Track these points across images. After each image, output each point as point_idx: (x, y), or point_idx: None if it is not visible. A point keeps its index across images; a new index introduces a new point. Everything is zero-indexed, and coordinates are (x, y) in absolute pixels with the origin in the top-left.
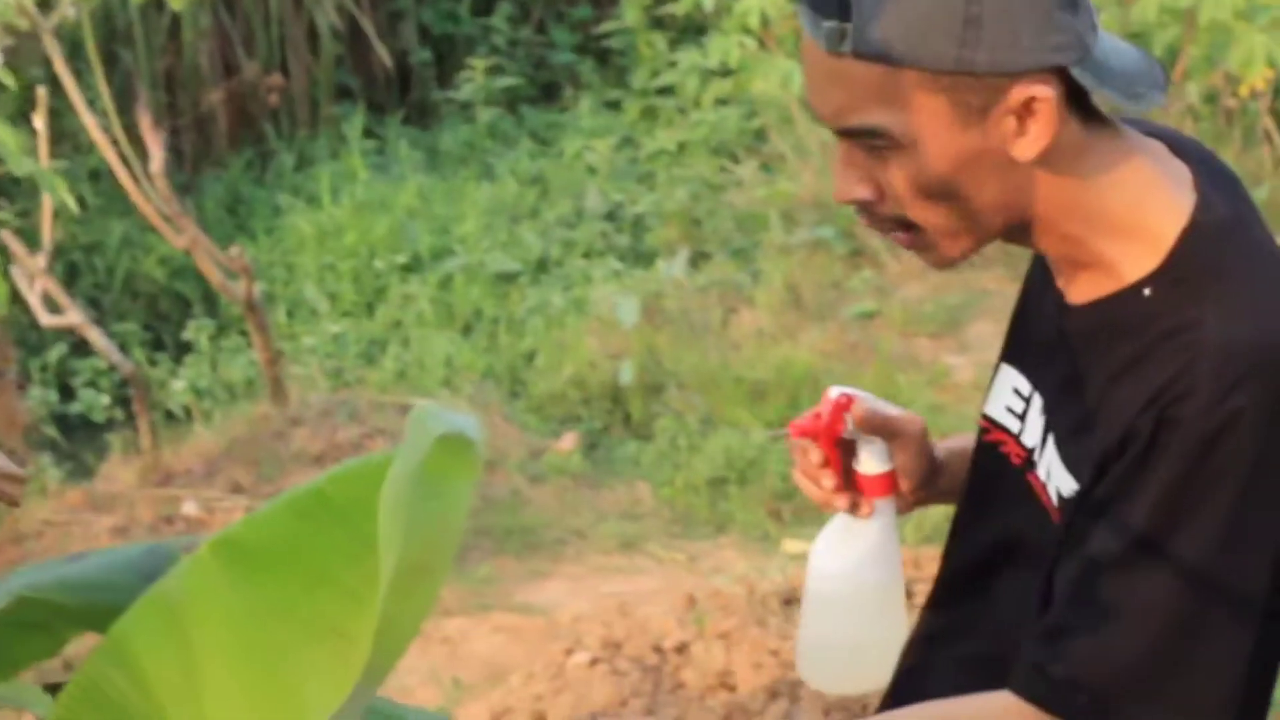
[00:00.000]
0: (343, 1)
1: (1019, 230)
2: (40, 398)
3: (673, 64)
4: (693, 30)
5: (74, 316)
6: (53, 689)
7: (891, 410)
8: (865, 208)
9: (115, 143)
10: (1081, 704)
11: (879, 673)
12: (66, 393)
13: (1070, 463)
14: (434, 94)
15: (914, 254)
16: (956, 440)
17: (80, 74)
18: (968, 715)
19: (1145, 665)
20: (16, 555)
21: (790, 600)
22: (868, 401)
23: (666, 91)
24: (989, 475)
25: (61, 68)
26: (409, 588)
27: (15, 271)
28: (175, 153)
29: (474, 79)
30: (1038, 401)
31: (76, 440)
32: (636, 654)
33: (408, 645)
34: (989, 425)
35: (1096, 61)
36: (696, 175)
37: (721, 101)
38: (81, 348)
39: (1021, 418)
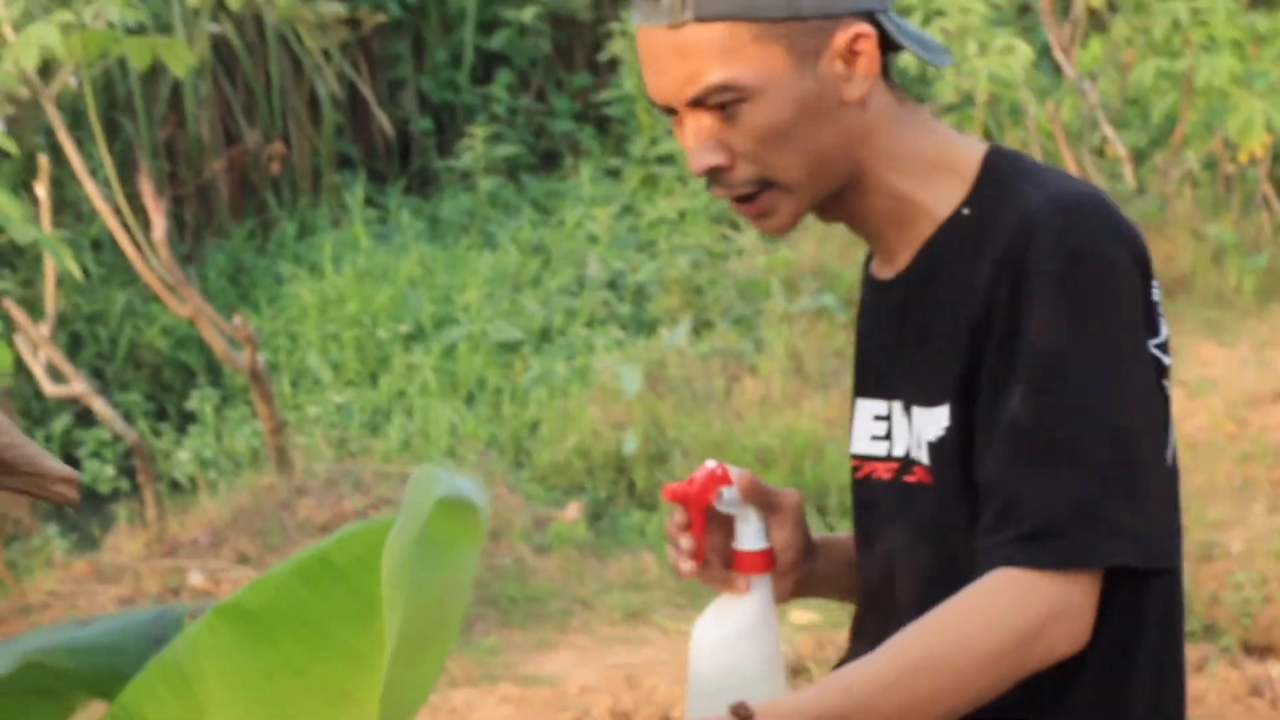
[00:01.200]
0: (343, 70)
1: (849, 193)
2: None
3: (672, 131)
4: None
5: (78, 386)
6: None
7: (769, 486)
8: (719, 175)
9: (117, 211)
10: (1057, 547)
11: None
12: (71, 463)
13: (931, 392)
14: (435, 162)
15: (754, 223)
16: (833, 535)
17: (82, 143)
18: (962, 608)
19: (1098, 489)
20: (22, 627)
21: (798, 670)
22: (748, 475)
23: (666, 159)
24: (867, 508)
25: (63, 136)
26: (415, 654)
27: (19, 341)
28: (177, 222)
29: (474, 147)
30: (897, 408)
31: (82, 511)
32: None
33: (416, 712)
34: (858, 463)
35: (896, 23)
36: (697, 243)
37: None
38: (86, 418)
39: (887, 436)
